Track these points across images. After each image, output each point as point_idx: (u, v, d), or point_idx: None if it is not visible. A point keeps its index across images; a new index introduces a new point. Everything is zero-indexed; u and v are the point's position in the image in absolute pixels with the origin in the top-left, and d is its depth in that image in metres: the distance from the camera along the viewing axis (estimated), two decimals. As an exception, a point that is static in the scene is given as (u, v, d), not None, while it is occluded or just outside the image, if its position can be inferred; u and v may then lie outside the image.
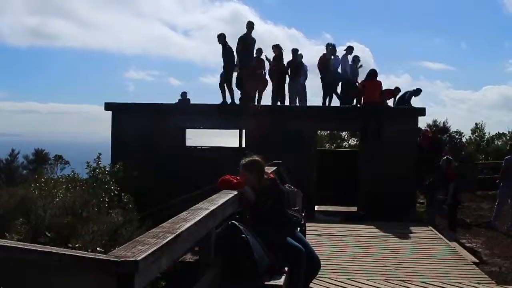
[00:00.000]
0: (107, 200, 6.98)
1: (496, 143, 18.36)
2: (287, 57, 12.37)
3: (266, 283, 3.68)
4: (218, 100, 12.16)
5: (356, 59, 12.44)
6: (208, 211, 3.14)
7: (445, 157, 9.95)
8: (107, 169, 8.43)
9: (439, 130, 16.49)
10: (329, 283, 5.64)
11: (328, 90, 12.22)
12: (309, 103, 12.72)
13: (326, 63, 12.19)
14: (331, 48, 12.44)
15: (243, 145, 12.11)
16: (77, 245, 4.55)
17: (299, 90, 12.50)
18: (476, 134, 19.08)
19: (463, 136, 18.20)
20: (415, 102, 13.41)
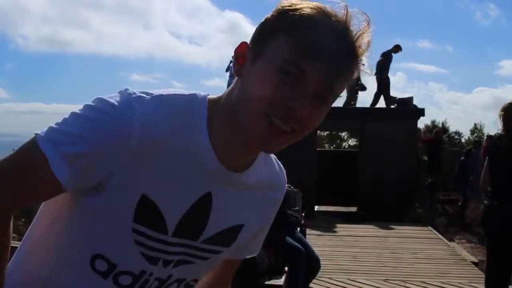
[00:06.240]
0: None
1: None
2: None
3: (266, 283, 3.70)
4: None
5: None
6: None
7: None
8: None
9: (439, 131, 16.47)
10: (329, 283, 5.65)
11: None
12: None
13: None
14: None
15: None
16: None
17: None
18: (475, 134, 19.07)
19: (462, 136, 18.21)
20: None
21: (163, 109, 0.89)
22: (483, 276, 6.12)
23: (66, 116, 0.89)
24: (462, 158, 11.25)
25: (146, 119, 0.86)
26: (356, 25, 0.85)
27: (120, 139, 0.85)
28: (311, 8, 0.84)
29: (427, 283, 5.70)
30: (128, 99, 0.87)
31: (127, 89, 0.89)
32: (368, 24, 0.86)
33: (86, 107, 0.88)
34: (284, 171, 1.12)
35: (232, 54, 0.96)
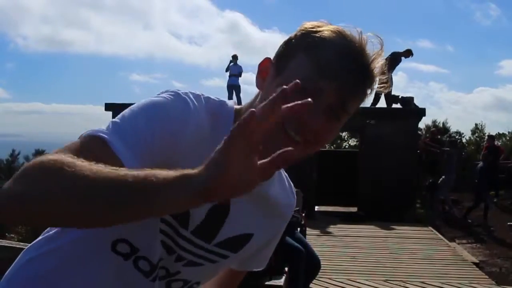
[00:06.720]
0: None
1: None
2: None
3: (266, 283, 3.69)
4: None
5: None
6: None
7: None
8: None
9: (439, 131, 16.48)
10: (328, 283, 5.65)
11: None
12: None
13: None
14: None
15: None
16: None
17: None
18: (476, 134, 19.05)
19: (463, 136, 18.19)
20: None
21: (204, 107, 0.94)
22: (484, 276, 6.14)
23: (134, 109, 0.89)
24: (480, 164, 11.18)
25: (197, 116, 0.91)
26: (371, 48, 0.92)
27: (180, 132, 0.88)
28: (331, 31, 0.92)
29: (427, 284, 5.69)
30: (187, 96, 0.92)
31: (171, 90, 0.93)
32: (381, 47, 0.92)
33: (162, 99, 0.90)
34: (294, 190, 1.18)
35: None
